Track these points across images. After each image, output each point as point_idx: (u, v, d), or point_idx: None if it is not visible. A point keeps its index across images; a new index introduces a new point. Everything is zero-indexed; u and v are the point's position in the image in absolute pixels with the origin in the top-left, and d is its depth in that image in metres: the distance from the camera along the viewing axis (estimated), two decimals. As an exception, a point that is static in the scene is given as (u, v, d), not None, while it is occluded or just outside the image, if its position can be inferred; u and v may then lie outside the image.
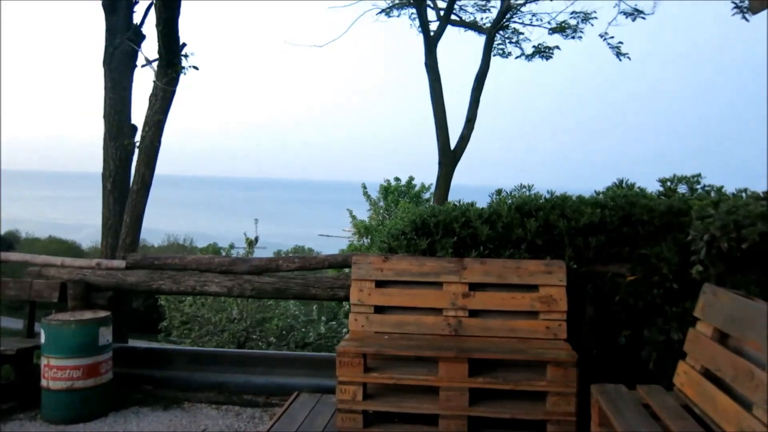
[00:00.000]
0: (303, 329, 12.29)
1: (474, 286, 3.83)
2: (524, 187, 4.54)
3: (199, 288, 4.26)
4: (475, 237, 4.06)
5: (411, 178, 22.58)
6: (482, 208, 4.21)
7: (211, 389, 4.48)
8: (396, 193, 22.12)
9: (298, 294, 4.20)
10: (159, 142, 4.77)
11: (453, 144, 9.27)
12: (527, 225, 3.99)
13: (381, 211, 22.08)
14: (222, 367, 4.61)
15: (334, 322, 12.71)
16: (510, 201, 4.27)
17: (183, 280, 4.29)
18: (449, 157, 9.45)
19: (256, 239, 12.62)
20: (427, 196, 22.35)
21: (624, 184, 4.50)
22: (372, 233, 21.28)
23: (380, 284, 3.89)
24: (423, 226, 4.15)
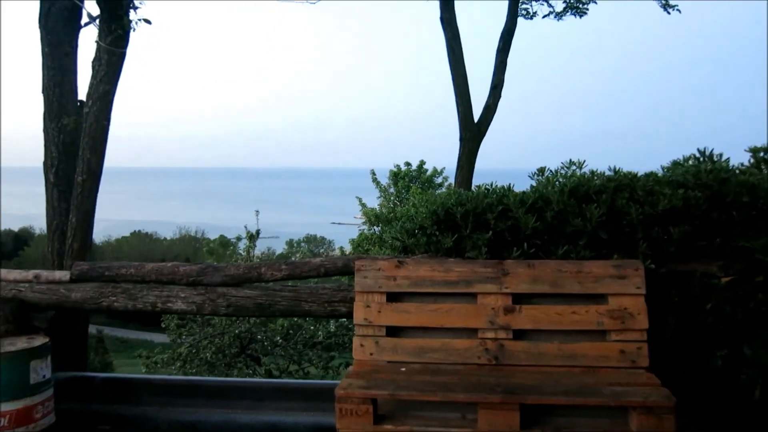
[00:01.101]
0: (311, 327, 11.39)
1: (519, 298, 2.85)
2: (574, 164, 3.54)
3: (161, 305, 3.32)
4: (516, 231, 3.08)
5: (422, 162, 21.56)
6: (523, 193, 3.21)
7: (183, 431, 3.55)
8: (406, 179, 21.11)
9: (286, 310, 3.24)
10: (107, 120, 3.79)
11: (476, 117, 8.06)
12: (586, 213, 3.00)
13: (392, 198, 21.10)
14: (198, 401, 3.68)
15: (344, 318, 11.71)
16: (559, 182, 3.28)
17: (141, 295, 3.36)
18: (473, 132, 7.95)
19: (258, 232, 11.74)
20: (439, 180, 21.34)
21: (704, 156, 3.49)
22: (382, 221, 20.36)
23: (393, 297, 2.92)
24: (447, 217, 3.18)
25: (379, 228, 20.99)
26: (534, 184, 3.45)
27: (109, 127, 3.83)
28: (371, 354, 2.87)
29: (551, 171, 3.56)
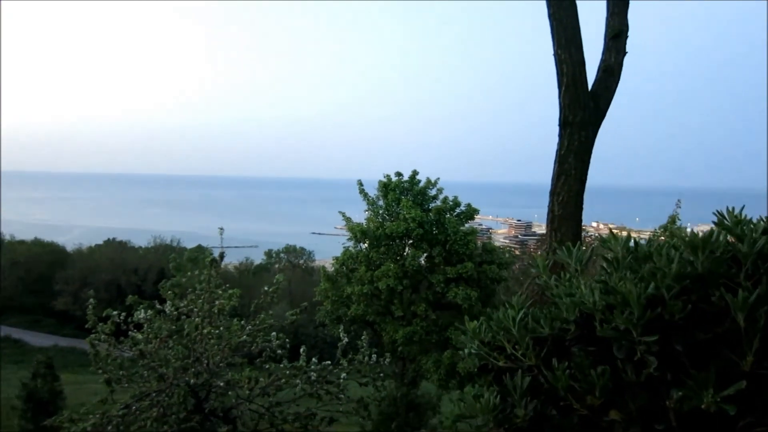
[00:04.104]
0: (287, 372, 9.15)
1: None
2: None
3: None
4: None
5: (415, 173, 19.43)
6: None
7: None
8: (397, 191, 18.93)
9: None
10: None
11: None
12: None
13: (380, 212, 18.94)
14: None
15: (329, 363, 9.43)
16: None
17: None
18: (587, 110, 4.58)
19: (222, 256, 9.58)
20: (433, 192, 19.23)
21: None
22: (370, 237, 18.22)
23: None
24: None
25: (365, 245, 18.85)
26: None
27: None
28: None
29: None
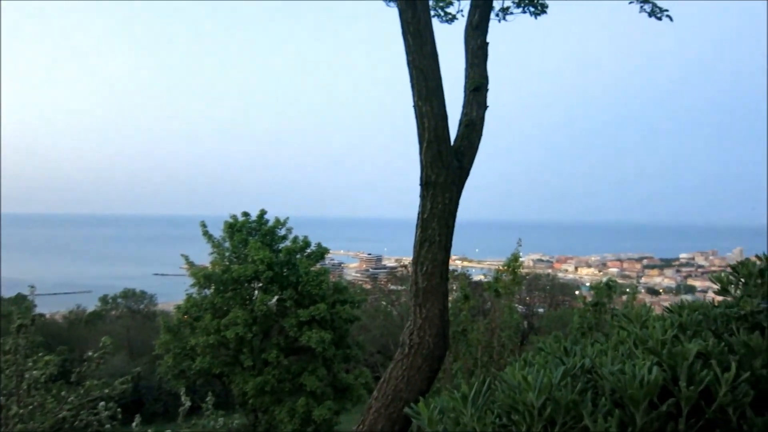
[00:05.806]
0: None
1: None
2: None
3: None
4: None
5: (262, 212, 18.68)
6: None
7: None
8: (244, 231, 18.04)
9: None
10: None
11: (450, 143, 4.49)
12: None
13: (227, 254, 17.90)
14: None
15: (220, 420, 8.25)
16: None
17: None
18: (450, 169, 4.25)
19: (33, 321, 8.25)
20: (282, 232, 18.59)
21: None
22: (215, 282, 17.09)
23: None
24: None
25: (211, 290, 17.66)
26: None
27: None
28: None
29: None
